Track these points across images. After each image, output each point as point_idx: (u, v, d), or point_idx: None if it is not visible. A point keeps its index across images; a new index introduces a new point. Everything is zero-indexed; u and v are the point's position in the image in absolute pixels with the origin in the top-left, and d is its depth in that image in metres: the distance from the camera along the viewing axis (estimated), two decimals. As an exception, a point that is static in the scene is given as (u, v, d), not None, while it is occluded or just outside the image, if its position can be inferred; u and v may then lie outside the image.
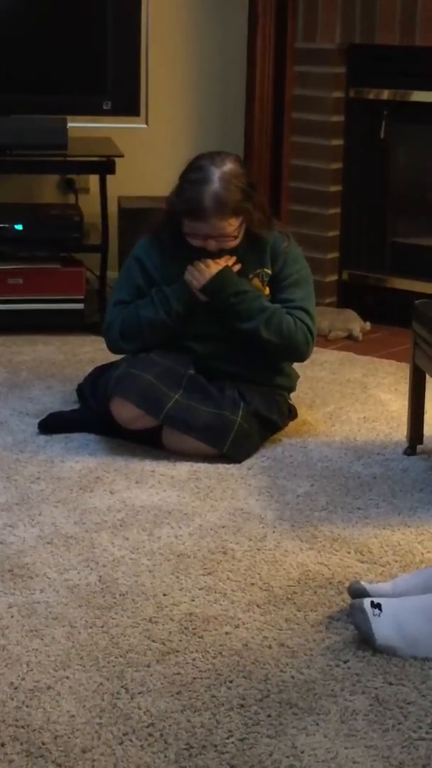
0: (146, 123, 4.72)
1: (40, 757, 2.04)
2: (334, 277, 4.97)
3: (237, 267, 3.45)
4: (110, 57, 4.48)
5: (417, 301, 3.47)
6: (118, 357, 3.59)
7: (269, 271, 3.48)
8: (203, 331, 3.47)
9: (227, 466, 3.32)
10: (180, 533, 2.90)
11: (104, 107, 4.50)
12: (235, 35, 5.03)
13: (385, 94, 4.76)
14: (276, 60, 4.92)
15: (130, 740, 2.09)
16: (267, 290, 3.48)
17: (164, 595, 2.60)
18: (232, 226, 3.36)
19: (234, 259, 3.45)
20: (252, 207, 3.38)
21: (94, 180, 4.78)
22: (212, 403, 3.35)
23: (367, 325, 4.72)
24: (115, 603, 2.56)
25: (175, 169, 3.51)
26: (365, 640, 2.40)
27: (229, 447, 3.32)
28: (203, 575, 2.69)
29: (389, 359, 4.35)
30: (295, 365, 3.62)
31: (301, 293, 3.48)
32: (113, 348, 3.57)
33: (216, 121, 5.10)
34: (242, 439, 3.34)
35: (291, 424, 3.59)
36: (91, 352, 4.33)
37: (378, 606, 2.39)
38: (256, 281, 3.47)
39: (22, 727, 2.12)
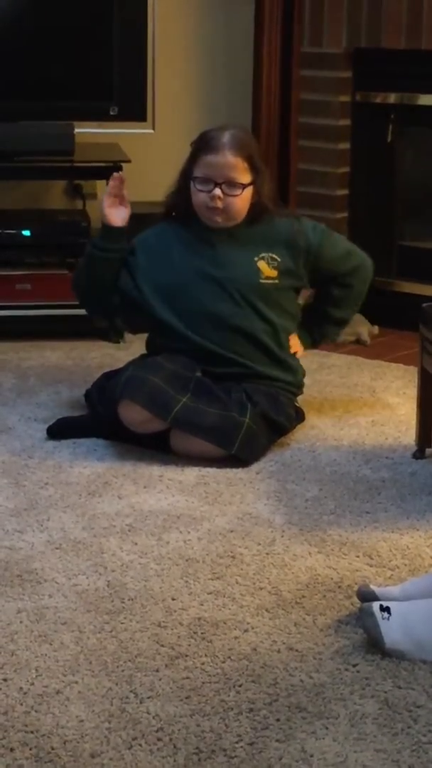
0: (153, 128, 4.72)
1: (49, 762, 2.04)
2: (341, 281, 4.97)
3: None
4: (117, 62, 4.49)
5: (425, 305, 3.47)
6: (126, 363, 3.60)
7: (277, 258, 3.51)
8: (213, 319, 3.49)
9: (235, 470, 3.32)
10: (188, 538, 2.90)
11: (111, 113, 4.51)
12: (241, 40, 5.03)
13: (392, 98, 4.76)
14: (282, 64, 4.92)
15: (139, 745, 2.09)
16: (275, 273, 3.51)
17: (173, 599, 2.60)
18: (243, 174, 3.44)
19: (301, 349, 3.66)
20: (262, 177, 3.50)
21: (101, 185, 4.77)
22: (220, 404, 3.36)
23: (375, 329, 4.72)
24: (123, 608, 2.56)
25: (182, 174, 3.54)
26: (374, 644, 2.39)
27: (237, 448, 3.32)
28: (212, 580, 2.69)
29: (397, 363, 4.35)
30: (302, 364, 3.68)
31: (336, 251, 3.64)
32: (75, 293, 3.75)
33: (223, 125, 5.10)
34: (251, 440, 3.34)
35: (299, 428, 3.59)
36: (99, 357, 4.33)
37: (387, 609, 2.39)
38: (263, 264, 3.51)
39: (31, 732, 2.12)
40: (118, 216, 3.58)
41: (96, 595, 2.61)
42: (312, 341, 3.71)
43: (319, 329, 3.71)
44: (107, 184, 3.63)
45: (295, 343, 3.63)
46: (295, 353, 3.62)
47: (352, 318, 3.82)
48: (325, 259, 3.60)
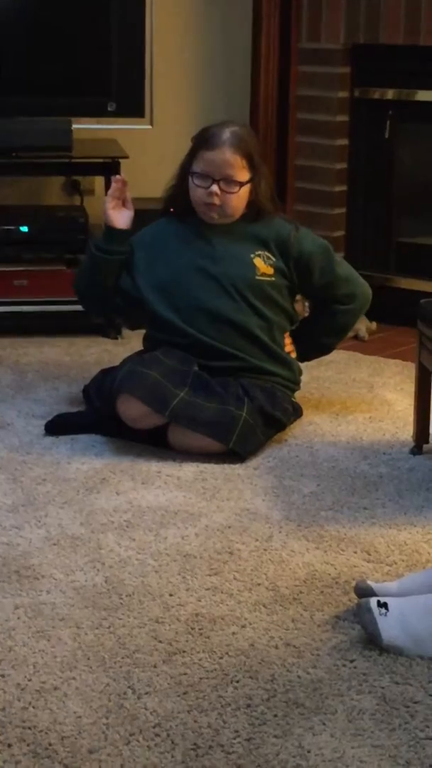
0: (151, 124, 4.71)
1: (47, 758, 2.04)
2: (339, 277, 4.97)
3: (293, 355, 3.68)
4: (115, 58, 4.48)
5: (423, 301, 3.47)
6: (123, 359, 3.60)
7: (272, 257, 3.52)
8: (210, 313, 3.49)
9: (233, 466, 3.32)
10: (186, 534, 2.90)
11: (109, 108, 4.51)
12: (240, 36, 5.03)
13: (390, 94, 4.76)
14: (280, 60, 4.93)
15: (137, 740, 2.09)
16: (271, 270, 3.52)
17: (171, 595, 2.60)
18: (241, 172, 3.45)
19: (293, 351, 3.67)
20: (260, 176, 3.51)
21: (99, 181, 4.78)
22: (217, 399, 3.36)
23: (373, 325, 4.72)
24: (121, 604, 2.56)
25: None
26: (372, 640, 2.40)
27: (235, 441, 3.32)
28: (209, 575, 2.69)
29: (395, 359, 4.35)
30: (303, 365, 3.70)
31: (335, 272, 3.62)
32: (76, 293, 3.74)
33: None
34: (248, 434, 3.35)
35: (297, 423, 3.60)
36: (96, 353, 4.33)
37: (384, 605, 2.39)
38: (259, 261, 3.52)
39: (29, 728, 2.12)
40: (121, 218, 3.57)
41: (94, 591, 2.61)
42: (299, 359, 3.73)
43: (304, 351, 3.71)
44: (105, 180, 3.63)
45: (289, 342, 3.63)
46: (289, 353, 3.62)
47: (336, 346, 3.81)
48: (315, 272, 3.57)
